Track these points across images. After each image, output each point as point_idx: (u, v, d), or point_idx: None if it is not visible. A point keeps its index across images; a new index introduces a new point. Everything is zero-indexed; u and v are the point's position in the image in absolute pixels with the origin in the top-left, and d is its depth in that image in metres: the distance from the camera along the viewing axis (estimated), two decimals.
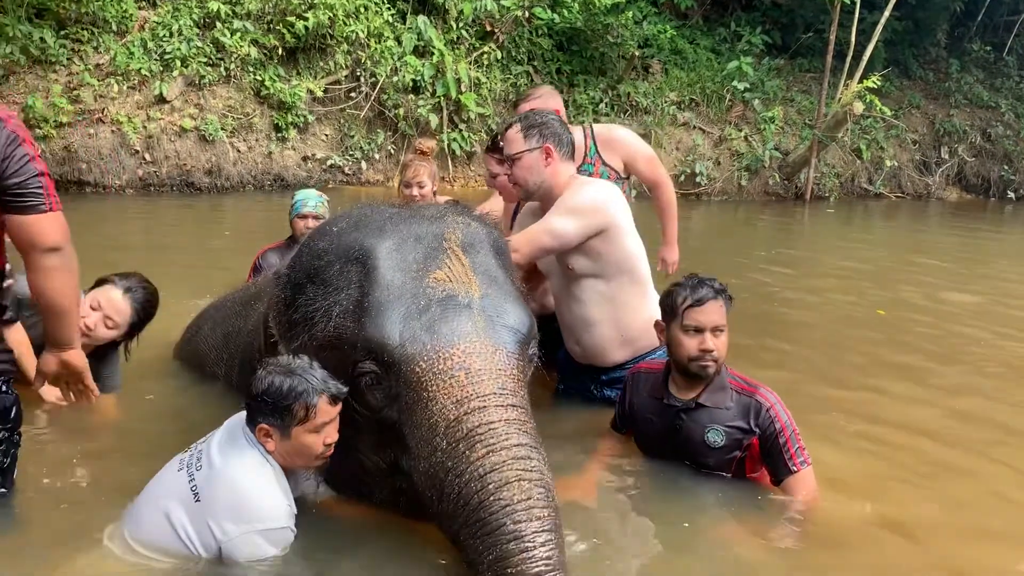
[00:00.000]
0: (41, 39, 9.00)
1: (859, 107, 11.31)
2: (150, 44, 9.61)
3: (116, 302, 3.19)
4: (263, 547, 2.22)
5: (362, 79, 10.59)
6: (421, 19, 10.86)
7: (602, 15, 11.57)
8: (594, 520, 2.68)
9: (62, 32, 9.35)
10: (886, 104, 12.14)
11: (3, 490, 2.52)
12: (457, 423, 2.17)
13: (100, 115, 9.18)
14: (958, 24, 15.44)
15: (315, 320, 2.39)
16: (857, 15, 12.16)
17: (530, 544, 2.00)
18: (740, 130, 12.39)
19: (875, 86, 11.26)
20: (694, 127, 12.27)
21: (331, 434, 2.32)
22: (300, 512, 2.38)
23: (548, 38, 11.91)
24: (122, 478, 2.73)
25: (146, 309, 3.28)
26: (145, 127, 9.34)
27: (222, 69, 9.85)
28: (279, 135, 10.14)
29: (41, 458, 2.95)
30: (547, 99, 3.93)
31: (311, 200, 4.38)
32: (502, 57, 11.42)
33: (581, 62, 12.10)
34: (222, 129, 9.72)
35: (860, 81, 11.59)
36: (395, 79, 10.56)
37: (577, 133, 3.65)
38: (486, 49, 11.28)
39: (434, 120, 10.62)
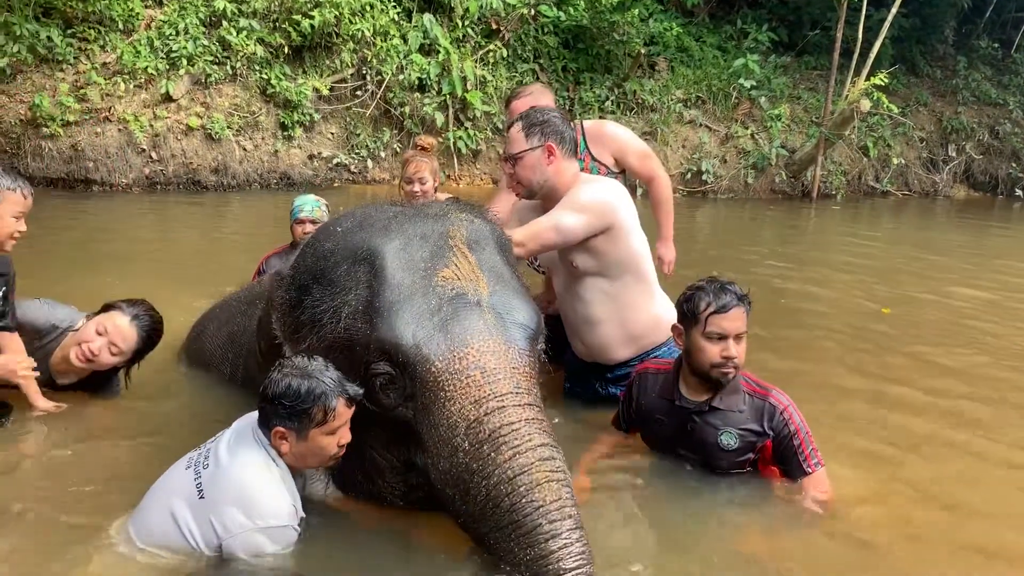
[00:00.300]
0: (48, 38, 9.01)
1: (866, 104, 11.26)
2: (156, 43, 9.62)
3: (123, 329, 3.19)
4: (264, 545, 2.22)
5: (368, 77, 10.59)
6: (427, 17, 10.86)
7: (608, 13, 11.54)
8: (602, 518, 2.68)
9: (69, 31, 9.37)
10: (893, 101, 12.10)
11: None
12: (478, 424, 2.20)
13: (107, 114, 9.19)
14: (966, 21, 15.37)
15: (323, 321, 2.40)
16: (864, 12, 12.10)
17: (567, 540, 2.09)
18: (746, 128, 12.36)
19: (882, 83, 11.21)
20: (700, 125, 12.24)
21: (345, 435, 2.33)
22: (308, 512, 2.38)
23: (554, 36, 11.89)
24: (127, 476, 2.75)
25: (151, 336, 3.29)
26: (152, 126, 9.36)
27: (228, 68, 9.86)
28: (285, 133, 10.14)
29: (45, 457, 2.97)
30: (538, 96, 3.90)
31: (307, 205, 4.38)
32: (508, 55, 11.41)
33: (587, 60, 12.08)
34: (228, 127, 9.72)
35: (867, 78, 11.54)
36: (401, 77, 10.55)
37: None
38: (492, 47, 11.27)
39: (440, 118, 10.61)
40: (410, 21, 11.00)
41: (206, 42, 9.77)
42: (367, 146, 10.57)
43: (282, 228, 4.77)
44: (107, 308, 3.24)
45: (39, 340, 3.21)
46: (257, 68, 10.00)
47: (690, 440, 2.89)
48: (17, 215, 2.96)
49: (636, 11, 11.84)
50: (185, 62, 9.57)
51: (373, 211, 2.59)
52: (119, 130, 9.20)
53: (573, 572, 2.06)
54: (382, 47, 10.52)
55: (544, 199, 3.27)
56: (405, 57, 10.61)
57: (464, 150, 10.89)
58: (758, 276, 6.51)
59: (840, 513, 2.79)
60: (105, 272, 5.39)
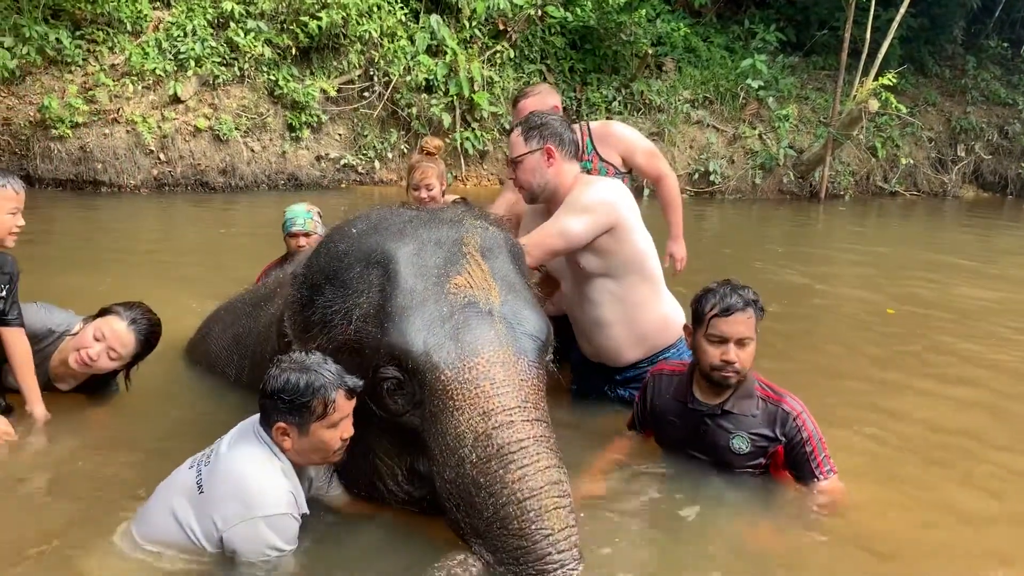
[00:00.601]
0: (57, 40, 9.05)
1: (874, 105, 11.23)
2: (164, 44, 9.65)
3: (121, 334, 3.18)
4: (264, 534, 2.20)
5: (375, 78, 10.60)
6: (434, 18, 10.86)
7: (615, 13, 11.53)
8: (611, 520, 2.67)
9: (78, 33, 9.40)
10: (902, 102, 12.05)
11: None
12: (486, 438, 2.20)
13: (115, 115, 9.22)
14: (975, 20, 15.31)
15: (334, 322, 2.40)
16: (872, 12, 12.06)
17: (572, 571, 2.16)
18: (754, 128, 12.33)
19: (890, 83, 11.18)
20: (708, 125, 12.22)
21: (347, 429, 2.32)
22: (315, 514, 2.38)
23: (561, 36, 11.89)
24: (132, 478, 2.75)
25: (149, 340, 3.29)
26: (160, 127, 9.39)
27: (236, 69, 9.88)
28: (293, 135, 10.16)
29: (51, 459, 2.97)
30: (545, 96, 3.91)
31: (299, 218, 4.37)
32: (515, 56, 11.41)
33: (594, 60, 12.07)
34: (236, 129, 9.75)
35: (875, 78, 11.51)
36: (408, 78, 10.56)
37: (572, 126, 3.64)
38: (499, 48, 11.27)
39: (447, 119, 10.62)
40: (417, 22, 11.00)
41: (214, 43, 9.80)
42: (374, 147, 10.58)
43: None
44: (104, 312, 3.23)
45: (36, 344, 3.20)
46: (265, 69, 10.02)
47: (702, 443, 2.88)
48: (12, 211, 2.96)
49: (643, 11, 11.82)
50: (193, 63, 9.59)
51: (388, 214, 2.59)
52: (127, 131, 9.23)
53: None
54: (389, 48, 10.53)
55: (547, 202, 3.27)
56: (412, 58, 10.62)
57: (471, 151, 10.89)
58: (764, 276, 6.49)
59: (849, 515, 2.77)
60: (110, 273, 5.40)
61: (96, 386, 3.37)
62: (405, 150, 10.63)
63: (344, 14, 10.12)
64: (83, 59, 9.32)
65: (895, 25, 12.19)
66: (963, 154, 13.98)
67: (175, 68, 9.57)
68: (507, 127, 10.78)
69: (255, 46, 9.86)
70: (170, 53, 9.64)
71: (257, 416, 2.37)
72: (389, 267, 2.37)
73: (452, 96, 10.68)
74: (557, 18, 11.60)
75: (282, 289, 2.75)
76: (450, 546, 2.32)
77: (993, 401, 4.06)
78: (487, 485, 2.17)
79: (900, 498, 2.98)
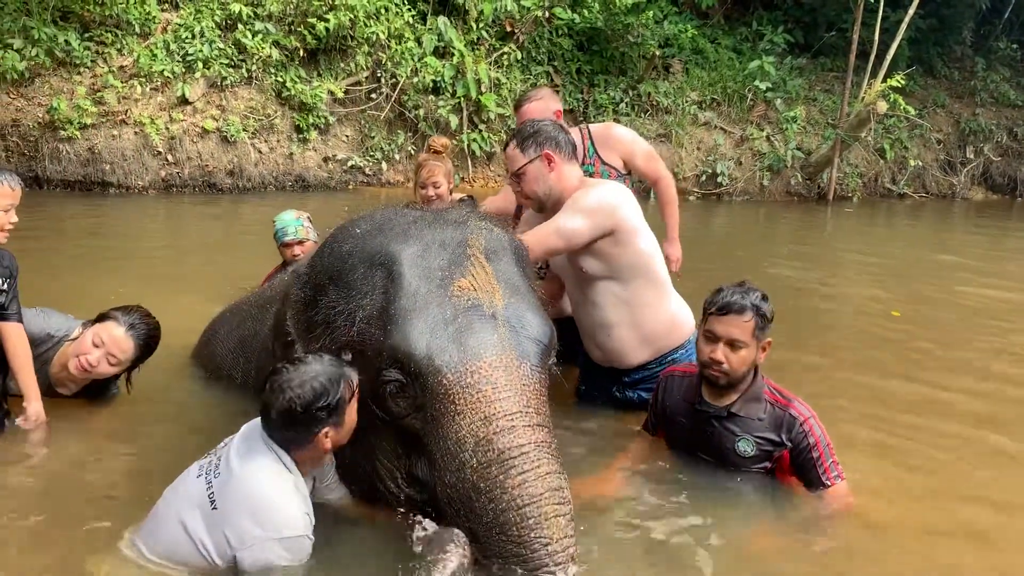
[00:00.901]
0: (66, 41, 9.09)
1: (883, 106, 11.18)
2: (172, 46, 9.68)
3: (119, 340, 3.18)
4: (280, 556, 2.20)
5: (383, 80, 10.61)
6: (441, 20, 10.87)
7: (622, 15, 11.52)
8: (617, 522, 2.67)
9: (86, 35, 9.44)
10: (910, 103, 12.00)
11: None
12: (487, 443, 2.19)
13: (123, 116, 9.25)
14: (984, 22, 15.24)
15: (337, 323, 2.39)
16: (881, 13, 12.02)
17: None
18: (762, 130, 12.30)
19: (899, 85, 11.13)
20: (715, 127, 12.19)
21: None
22: (319, 518, 2.37)
23: (568, 38, 11.88)
24: (138, 483, 2.74)
25: (148, 345, 3.29)
26: (168, 128, 9.41)
27: (244, 71, 9.90)
28: (300, 136, 10.18)
29: (56, 464, 2.96)
30: (548, 101, 3.93)
31: (290, 227, 4.37)
32: (522, 57, 11.40)
33: (601, 62, 12.05)
34: (244, 130, 9.77)
35: (884, 80, 11.46)
36: (415, 80, 10.57)
37: (575, 134, 3.64)
38: (506, 49, 11.27)
39: (454, 121, 10.62)
40: (424, 24, 11.01)
41: (222, 45, 9.82)
42: (382, 148, 10.59)
43: None
44: (102, 318, 3.23)
45: (36, 349, 3.20)
46: (272, 71, 10.04)
47: (708, 444, 2.89)
48: (6, 207, 2.96)
49: (651, 13, 11.81)
50: (201, 65, 9.61)
51: (393, 214, 2.58)
52: (135, 133, 9.26)
53: None
54: (397, 50, 10.54)
55: (554, 207, 3.25)
56: (419, 60, 10.63)
57: (478, 152, 10.89)
58: (771, 277, 6.47)
59: (855, 521, 2.76)
60: (118, 274, 5.42)
61: (97, 390, 3.37)
62: (412, 151, 10.64)
63: (351, 16, 10.14)
64: (92, 61, 9.35)
65: (904, 26, 12.14)
66: (972, 156, 13.92)
67: (183, 70, 9.60)
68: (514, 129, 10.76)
69: (263, 48, 9.89)
70: (178, 55, 9.66)
71: (259, 420, 2.36)
72: (393, 269, 2.37)
73: (459, 98, 10.68)
74: (564, 20, 11.59)
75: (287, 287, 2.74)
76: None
77: (1004, 404, 4.04)
78: (487, 490, 2.16)
79: (907, 503, 2.96)
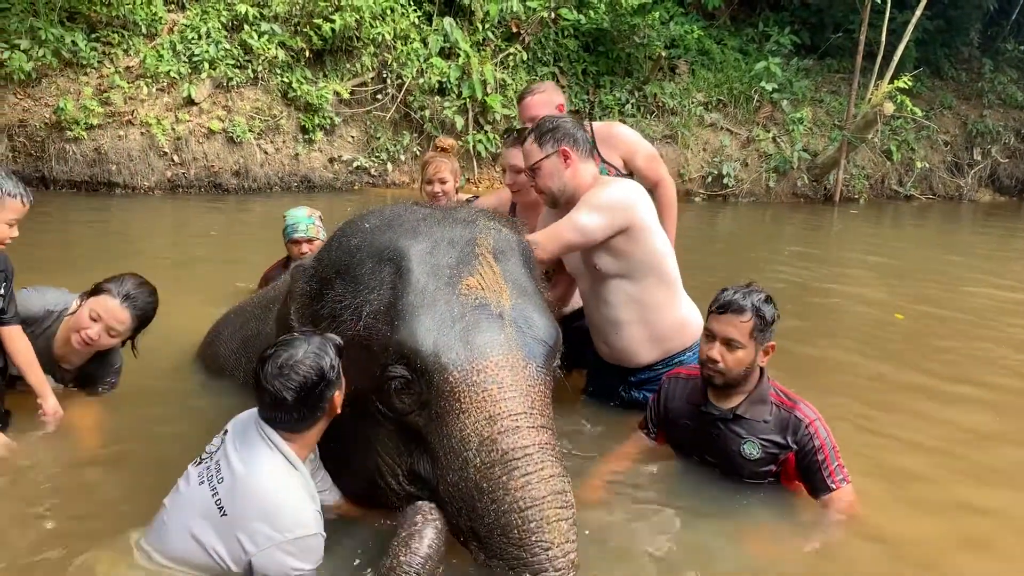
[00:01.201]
0: (73, 42, 9.10)
1: (889, 108, 11.16)
2: (179, 47, 9.69)
3: (116, 312, 3.16)
4: (294, 556, 2.18)
5: (388, 81, 10.61)
6: (447, 21, 10.87)
7: (629, 16, 11.51)
8: (620, 525, 2.66)
9: (93, 35, 9.45)
10: (917, 105, 11.97)
11: None
12: (491, 442, 2.18)
13: (130, 117, 9.26)
14: (991, 23, 15.21)
15: (343, 318, 2.39)
16: (888, 14, 11.99)
17: None
18: (768, 131, 12.28)
19: (906, 86, 11.10)
20: (721, 128, 12.18)
21: None
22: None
23: (574, 39, 11.87)
24: (144, 484, 2.70)
25: (147, 313, 3.26)
26: (174, 129, 9.42)
27: (250, 71, 9.91)
28: (306, 137, 10.19)
29: (60, 465, 2.95)
30: (551, 94, 3.95)
31: (301, 224, 4.34)
32: (528, 58, 11.40)
33: (607, 63, 12.05)
34: (249, 131, 9.78)
35: (891, 81, 11.43)
36: (421, 81, 10.57)
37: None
38: (512, 50, 11.27)
39: (459, 122, 10.62)
40: (430, 25, 11.01)
41: (228, 46, 9.83)
42: (387, 149, 10.59)
43: None
44: (97, 290, 3.19)
45: (38, 327, 3.20)
46: (278, 72, 10.05)
47: (713, 447, 2.87)
48: (12, 222, 2.94)
49: (657, 14, 11.80)
50: (207, 66, 9.63)
51: (402, 211, 2.57)
52: (142, 133, 9.27)
53: None
54: (402, 51, 10.54)
55: (567, 204, 3.26)
56: (425, 61, 10.63)
57: (483, 153, 10.89)
58: (775, 278, 6.46)
59: (860, 525, 2.73)
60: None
61: (102, 361, 3.35)
62: (418, 152, 10.64)
63: (357, 17, 10.14)
64: (98, 61, 9.37)
65: (911, 28, 12.11)
66: (979, 157, 13.88)
67: (189, 70, 9.61)
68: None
69: (269, 48, 9.89)
70: (184, 55, 9.68)
71: (246, 415, 2.33)
72: (401, 264, 2.36)
73: (465, 99, 10.68)
74: (570, 20, 11.59)
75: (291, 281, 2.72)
76: (452, 551, 2.31)
77: (1012, 406, 4.01)
78: (489, 491, 2.15)
79: (913, 507, 2.94)
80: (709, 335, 2.78)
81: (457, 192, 4.25)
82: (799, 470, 2.78)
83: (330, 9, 10.05)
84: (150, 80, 9.42)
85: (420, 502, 2.24)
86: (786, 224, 10.65)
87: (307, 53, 10.21)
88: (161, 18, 9.80)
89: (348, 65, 10.55)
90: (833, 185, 12.10)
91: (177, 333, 4.30)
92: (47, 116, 8.94)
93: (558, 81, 11.47)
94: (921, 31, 13.08)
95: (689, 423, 2.93)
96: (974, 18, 14.79)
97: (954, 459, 3.39)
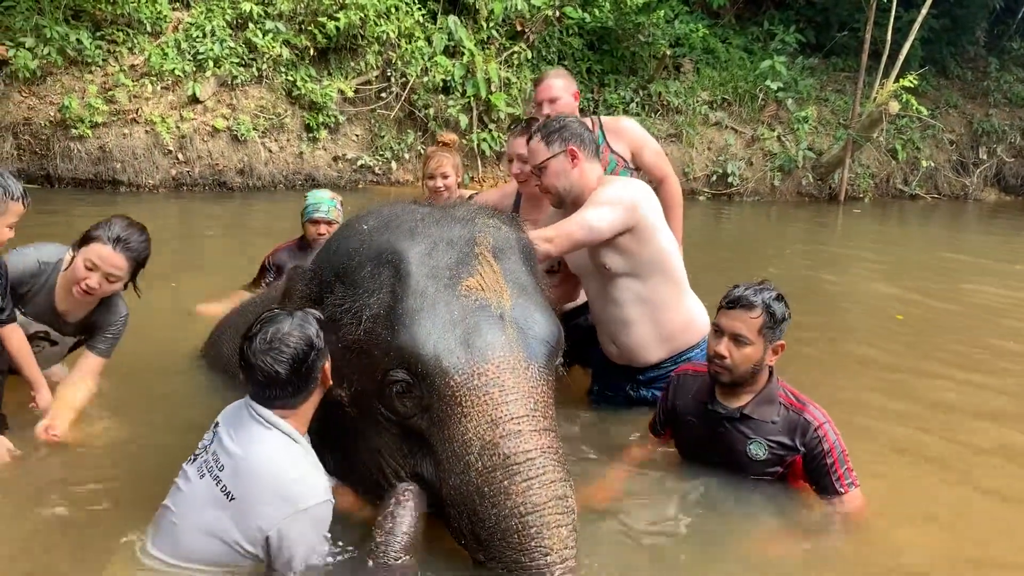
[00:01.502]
0: (77, 40, 9.10)
1: (895, 107, 11.12)
2: (183, 45, 9.69)
3: (110, 257, 3.07)
4: (310, 525, 2.18)
5: (392, 79, 10.60)
6: (451, 19, 10.86)
7: (633, 14, 11.48)
8: (622, 528, 2.65)
9: (98, 33, 9.45)
10: (923, 104, 11.93)
11: None
12: (493, 446, 2.18)
13: (134, 115, 9.27)
14: (997, 22, 15.15)
15: (343, 322, 2.38)
16: (893, 13, 11.96)
17: None
18: (773, 130, 12.25)
19: (911, 85, 11.06)
20: (726, 127, 12.15)
21: None
22: None
23: (579, 37, 11.85)
24: (144, 483, 2.68)
25: (141, 253, 3.17)
26: (178, 127, 9.43)
27: (254, 70, 9.91)
28: (310, 135, 10.18)
29: (64, 465, 2.94)
30: (569, 80, 3.99)
31: (323, 205, 4.32)
32: (532, 57, 11.38)
33: (612, 61, 12.03)
34: (254, 129, 9.78)
35: (896, 80, 11.40)
36: (425, 79, 10.56)
37: (586, 123, 3.64)
38: (516, 49, 11.25)
39: (464, 120, 10.61)
40: (435, 23, 11.00)
41: (232, 44, 9.83)
42: (391, 148, 10.59)
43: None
44: (87, 239, 3.12)
45: (36, 282, 3.17)
46: (283, 70, 10.05)
47: (719, 446, 2.85)
48: (12, 224, 2.93)
49: (662, 12, 11.77)
50: (211, 64, 9.63)
51: (400, 211, 2.56)
52: (146, 131, 9.28)
53: None
54: (407, 49, 10.54)
55: (573, 204, 3.27)
56: (430, 59, 10.62)
57: (488, 152, 10.87)
58: (779, 277, 6.43)
59: (868, 530, 2.72)
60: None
61: (107, 310, 3.30)
62: (422, 151, 10.62)
63: (362, 15, 10.13)
64: (103, 60, 9.37)
65: (916, 26, 12.07)
66: (985, 157, 13.83)
67: (194, 69, 9.61)
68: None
69: (273, 47, 9.89)
70: (189, 54, 9.68)
71: (239, 405, 2.31)
72: (400, 267, 2.35)
73: (469, 97, 10.67)
74: (575, 19, 11.56)
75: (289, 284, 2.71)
76: (452, 551, 2.30)
77: (1017, 405, 4.00)
78: (491, 495, 2.15)
79: (919, 511, 2.93)
80: (717, 330, 2.76)
81: (459, 187, 4.25)
82: (807, 473, 2.76)
83: (334, 7, 10.05)
84: (155, 78, 9.42)
85: (399, 485, 2.25)
86: (791, 223, 10.63)
87: (311, 51, 10.21)
88: (166, 16, 9.80)
89: (352, 63, 10.54)
90: (838, 184, 12.07)
91: (181, 332, 4.31)
92: (52, 114, 8.95)
93: None
94: (927, 30, 13.03)
95: (695, 420, 2.92)
96: (980, 17, 14.74)
97: (959, 459, 3.38)
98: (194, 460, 2.31)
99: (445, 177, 4.15)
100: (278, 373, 2.19)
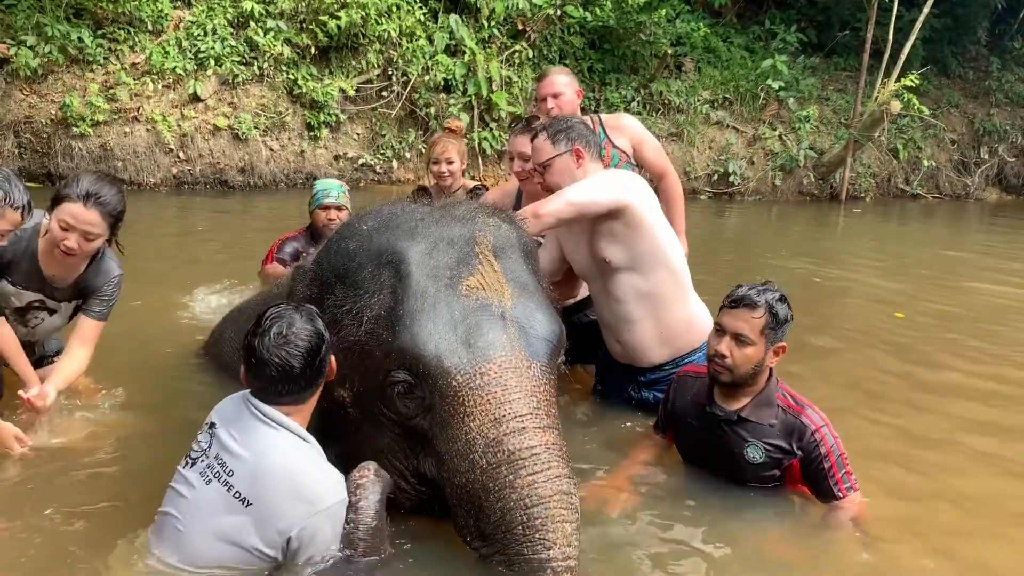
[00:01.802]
0: (79, 39, 9.11)
1: (896, 106, 11.12)
2: (185, 43, 9.70)
3: (82, 214, 2.96)
4: (330, 525, 2.18)
5: (394, 78, 10.60)
6: (453, 18, 10.86)
7: (635, 13, 11.48)
8: (621, 530, 2.64)
9: (99, 32, 9.46)
10: (924, 103, 11.93)
11: None
12: (497, 443, 2.18)
13: (135, 114, 9.27)
14: (999, 21, 15.14)
15: (344, 323, 2.38)
16: (895, 12, 11.95)
17: None
18: (774, 129, 12.25)
19: (913, 85, 11.07)
20: (727, 126, 12.15)
21: None
22: None
23: (580, 36, 11.85)
24: (144, 484, 2.68)
25: (114, 206, 3.05)
26: (179, 126, 9.43)
27: (255, 68, 9.91)
28: (311, 134, 10.19)
29: (66, 464, 2.92)
30: (572, 78, 4.03)
31: (333, 190, 4.32)
32: (534, 56, 11.38)
33: (613, 60, 12.02)
34: (255, 128, 9.78)
35: (897, 79, 11.40)
36: (427, 78, 10.56)
37: (586, 120, 3.66)
38: (518, 48, 11.25)
39: (465, 119, 10.60)
40: (436, 22, 11.00)
41: (233, 43, 9.83)
42: (392, 147, 10.59)
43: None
44: (58, 199, 3.02)
45: (17, 248, 3.07)
46: (284, 69, 10.05)
47: (717, 449, 2.84)
48: (5, 232, 2.84)
49: (663, 11, 11.76)
50: (213, 63, 9.63)
51: (400, 211, 2.55)
52: (147, 130, 9.28)
53: None
54: (408, 48, 10.54)
55: None
56: (431, 58, 10.62)
57: (489, 151, 10.87)
58: (777, 275, 6.44)
59: (866, 534, 2.71)
60: (127, 271, 5.39)
61: (96, 273, 3.23)
62: (423, 150, 10.62)
63: (363, 14, 10.13)
64: (104, 58, 9.37)
65: (918, 26, 12.07)
66: (986, 156, 13.83)
67: (195, 67, 9.62)
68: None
69: (274, 45, 9.90)
70: (190, 52, 9.68)
71: (235, 403, 2.28)
72: (400, 268, 2.35)
73: (470, 96, 10.68)
74: (576, 18, 11.56)
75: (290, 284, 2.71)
76: (454, 551, 2.30)
77: (1016, 407, 4.00)
78: (496, 490, 2.15)
79: (920, 514, 2.91)
80: (719, 329, 2.75)
81: (463, 174, 4.24)
82: (805, 477, 2.75)
83: (336, 6, 10.05)
84: (156, 77, 9.43)
85: (353, 472, 2.26)
86: (792, 222, 10.62)
87: (313, 50, 10.21)
88: (167, 15, 9.80)
89: (354, 62, 10.54)
90: (839, 183, 12.07)
91: (182, 331, 4.32)
92: (53, 113, 8.95)
93: None
94: (928, 29, 13.03)
95: (694, 423, 2.91)
96: (981, 16, 14.74)
97: (961, 461, 3.37)
98: (192, 464, 2.25)
99: (450, 163, 4.14)
100: (292, 367, 2.18)
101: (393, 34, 10.44)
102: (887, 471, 3.17)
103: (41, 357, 3.44)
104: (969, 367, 4.54)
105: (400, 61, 10.52)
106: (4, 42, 8.79)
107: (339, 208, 4.27)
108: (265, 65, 9.94)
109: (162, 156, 9.38)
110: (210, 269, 5.89)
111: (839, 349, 4.83)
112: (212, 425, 2.28)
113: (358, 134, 10.60)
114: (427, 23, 10.94)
